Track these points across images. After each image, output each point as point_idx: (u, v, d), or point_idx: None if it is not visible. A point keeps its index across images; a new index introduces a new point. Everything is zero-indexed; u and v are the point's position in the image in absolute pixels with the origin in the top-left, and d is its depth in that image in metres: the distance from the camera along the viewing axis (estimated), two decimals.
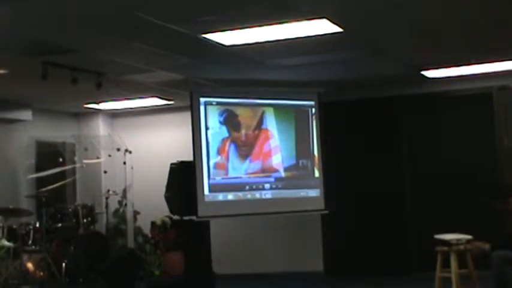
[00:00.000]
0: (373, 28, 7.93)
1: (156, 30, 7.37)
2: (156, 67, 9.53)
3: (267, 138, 11.12)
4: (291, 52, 8.84)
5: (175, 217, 10.84)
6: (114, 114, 13.78)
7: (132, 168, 12.11)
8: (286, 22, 7.30)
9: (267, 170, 11.08)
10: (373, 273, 11.55)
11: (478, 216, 10.60)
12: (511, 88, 11.25)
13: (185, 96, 10.85)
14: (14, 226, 10.40)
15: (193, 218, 10.51)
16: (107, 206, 11.91)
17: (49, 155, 12.73)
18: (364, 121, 12.08)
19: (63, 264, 10.17)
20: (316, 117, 11.36)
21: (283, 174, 11.17)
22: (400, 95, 11.80)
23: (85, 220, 10.95)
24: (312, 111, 11.37)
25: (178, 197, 10.62)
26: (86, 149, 12.62)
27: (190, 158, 10.54)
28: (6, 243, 10.03)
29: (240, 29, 7.52)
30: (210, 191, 10.59)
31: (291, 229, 12.31)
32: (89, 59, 8.79)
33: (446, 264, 8.59)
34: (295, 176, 11.26)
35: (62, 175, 12.19)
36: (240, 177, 10.89)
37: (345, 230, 11.99)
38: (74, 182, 12.86)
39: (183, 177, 10.63)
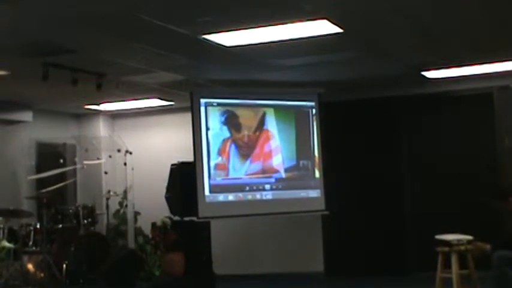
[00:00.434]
0: (373, 29, 7.93)
1: (156, 31, 7.38)
2: (157, 68, 9.53)
3: (268, 139, 11.12)
4: (291, 53, 8.84)
5: (176, 218, 10.83)
6: (114, 115, 13.78)
7: (132, 169, 12.11)
8: (287, 23, 7.30)
9: (267, 171, 11.08)
10: (373, 274, 11.55)
11: (479, 216, 10.62)
12: None
13: (186, 97, 10.85)
14: (15, 227, 10.41)
15: (194, 218, 10.51)
16: (107, 207, 11.92)
17: (50, 156, 12.73)
18: (365, 121, 12.08)
19: (64, 265, 10.17)
20: (316, 118, 11.36)
21: (283, 174, 11.17)
22: (401, 95, 11.81)
23: (85, 221, 10.96)
24: (312, 111, 11.37)
25: (179, 198, 10.62)
26: (86, 150, 12.63)
27: (191, 159, 10.54)
28: (6, 244, 10.03)
29: (241, 29, 7.52)
30: (210, 191, 10.58)
31: (292, 230, 12.31)
32: (90, 59, 8.79)
33: (447, 265, 8.60)
34: (295, 177, 11.26)
35: (62, 176, 12.20)
36: (241, 178, 10.89)
37: (346, 230, 11.99)
38: (74, 183, 12.87)
39: (184, 178, 10.63)
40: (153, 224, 11.71)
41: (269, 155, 11.13)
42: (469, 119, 11.57)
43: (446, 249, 8.52)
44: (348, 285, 11.43)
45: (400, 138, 11.95)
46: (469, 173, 11.31)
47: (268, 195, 11.03)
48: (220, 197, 10.73)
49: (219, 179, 10.70)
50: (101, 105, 12.45)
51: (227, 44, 8.13)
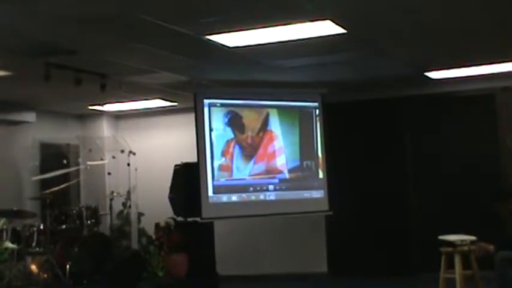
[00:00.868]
0: (376, 29, 7.93)
1: (159, 32, 7.38)
2: (160, 68, 9.53)
3: (271, 139, 11.12)
4: (294, 53, 8.84)
5: (179, 218, 10.84)
6: (118, 116, 13.79)
7: (136, 169, 12.14)
8: (290, 23, 7.30)
9: (271, 172, 11.08)
10: (377, 274, 11.55)
11: (482, 217, 10.61)
12: None
13: (189, 98, 10.86)
14: (18, 228, 10.41)
15: (197, 219, 10.51)
16: (111, 208, 11.93)
17: (53, 156, 12.74)
18: (368, 122, 12.09)
19: (67, 266, 10.17)
20: (320, 119, 11.36)
21: (287, 175, 11.17)
22: (404, 96, 11.81)
23: (89, 222, 10.95)
24: (315, 112, 11.37)
25: (182, 199, 10.62)
26: (90, 151, 12.65)
27: (195, 160, 10.54)
28: (10, 245, 10.04)
29: (244, 30, 7.52)
30: (214, 192, 10.58)
31: (295, 230, 12.31)
32: (93, 60, 8.79)
33: (450, 265, 8.60)
34: (299, 177, 11.25)
35: (66, 177, 12.21)
36: (244, 179, 10.89)
37: (349, 231, 12.00)
38: (78, 183, 12.88)
39: (187, 179, 10.63)
40: (157, 225, 11.71)
41: (273, 155, 11.12)
42: (471, 120, 11.57)
43: (450, 249, 8.53)
44: (351, 285, 11.43)
45: (403, 138, 11.95)
46: (472, 173, 11.31)
47: (271, 196, 11.02)
48: (224, 198, 10.73)
49: (222, 180, 10.70)
50: (105, 105, 12.45)
51: (230, 45, 8.13)
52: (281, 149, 11.17)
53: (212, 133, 10.61)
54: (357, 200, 11.93)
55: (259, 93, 11.15)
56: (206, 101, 10.62)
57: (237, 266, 12.18)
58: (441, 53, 9.37)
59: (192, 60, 9.09)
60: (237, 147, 10.81)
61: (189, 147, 10.96)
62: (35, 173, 12.19)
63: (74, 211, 10.96)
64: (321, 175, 11.35)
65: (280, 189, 11.07)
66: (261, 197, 10.96)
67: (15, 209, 10.44)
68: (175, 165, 10.91)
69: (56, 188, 11.17)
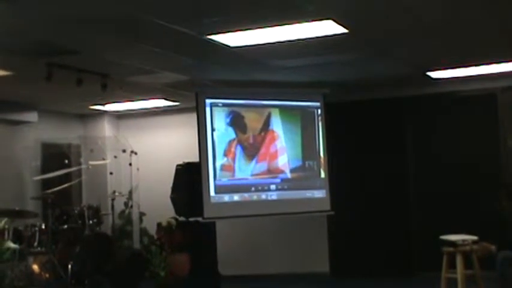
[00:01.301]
0: (378, 29, 7.92)
1: (161, 32, 7.38)
2: (162, 68, 9.54)
3: (273, 139, 11.12)
4: (296, 53, 8.84)
5: (181, 218, 10.84)
6: (119, 116, 13.79)
7: (137, 169, 12.14)
8: (292, 23, 7.30)
9: (273, 171, 11.08)
10: (378, 274, 11.56)
11: (483, 216, 10.62)
12: None
13: (191, 98, 10.86)
14: (20, 228, 10.39)
15: (199, 219, 10.52)
16: (112, 208, 11.90)
17: (55, 156, 12.74)
18: (370, 122, 12.09)
19: (69, 266, 10.15)
20: (322, 118, 11.36)
21: (289, 175, 11.17)
22: (405, 95, 11.82)
23: (91, 221, 10.93)
24: (317, 112, 11.37)
25: (184, 198, 10.63)
26: (91, 151, 12.65)
27: (196, 159, 10.54)
28: (11, 245, 10.02)
29: (246, 30, 7.53)
30: (216, 192, 10.58)
31: (297, 230, 12.32)
32: (94, 60, 8.80)
33: (452, 265, 8.60)
34: (301, 177, 11.25)
35: (67, 177, 12.21)
36: (246, 179, 10.89)
37: (351, 230, 12.00)
38: (79, 183, 12.88)
39: (189, 179, 10.64)
40: (159, 225, 11.68)
41: (275, 155, 11.12)
42: (472, 120, 11.57)
43: (451, 249, 8.53)
44: (353, 285, 11.44)
45: (404, 138, 11.95)
46: (473, 173, 11.31)
47: (273, 196, 11.02)
48: (226, 198, 10.73)
49: (224, 180, 10.70)
50: (106, 105, 12.46)
51: (232, 45, 8.14)
52: (283, 148, 11.17)
53: (214, 133, 10.61)
54: (358, 200, 11.93)
55: (261, 93, 11.15)
56: (208, 101, 10.62)
57: (238, 265, 12.19)
58: (442, 53, 9.38)
59: (193, 60, 9.09)
60: (239, 147, 10.81)
61: (191, 147, 10.97)
62: (36, 173, 12.19)
63: (76, 211, 10.93)
64: (322, 175, 11.36)
65: (282, 189, 11.07)
66: (263, 196, 10.96)
67: (17, 208, 10.42)
68: (177, 165, 10.92)
69: (58, 188, 11.16)
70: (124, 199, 12.55)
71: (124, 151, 12.22)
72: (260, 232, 12.55)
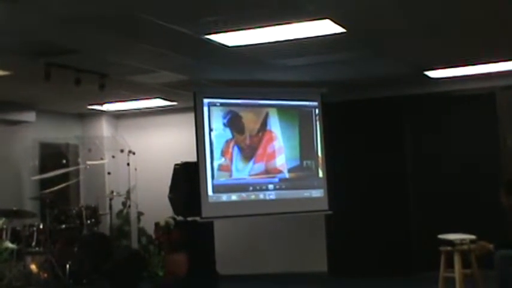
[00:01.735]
0: (376, 28, 7.92)
1: (159, 31, 7.38)
2: (160, 68, 9.53)
3: (271, 139, 11.12)
4: (294, 52, 8.84)
5: (179, 218, 10.85)
6: (117, 115, 13.79)
7: (135, 169, 12.14)
8: (289, 23, 7.30)
9: (270, 171, 11.08)
10: (377, 274, 11.55)
11: (481, 216, 10.63)
12: None
13: (189, 97, 10.86)
14: (18, 228, 10.41)
15: (197, 218, 10.51)
16: (110, 207, 11.92)
17: (53, 156, 12.74)
18: (368, 121, 12.09)
19: (67, 266, 10.18)
20: (319, 118, 11.36)
21: (287, 175, 11.17)
22: (403, 95, 11.81)
23: (89, 221, 10.95)
24: (315, 111, 11.37)
25: (182, 198, 10.62)
26: (89, 150, 12.65)
27: (194, 159, 10.54)
28: (9, 244, 10.04)
29: (243, 30, 7.53)
30: (213, 191, 10.58)
31: (295, 230, 12.32)
32: (93, 60, 8.80)
33: (450, 264, 8.60)
34: (299, 177, 11.25)
35: (65, 176, 12.22)
36: (244, 178, 10.89)
37: (349, 230, 12.00)
38: (77, 183, 12.88)
39: (187, 178, 10.63)
40: (157, 224, 11.71)
41: (272, 155, 11.12)
42: (471, 119, 11.57)
43: (449, 248, 8.52)
44: (351, 285, 11.43)
45: (403, 137, 11.95)
46: (472, 173, 11.31)
47: (271, 195, 11.02)
48: (224, 197, 10.73)
49: (222, 179, 10.70)
50: (104, 105, 12.45)
51: (230, 44, 8.14)
52: (281, 148, 11.16)
53: (212, 133, 10.61)
54: (356, 199, 11.93)
55: (259, 93, 11.14)
56: (206, 101, 10.62)
57: (236, 265, 12.18)
58: (441, 52, 9.37)
59: (191, 60, 9.09)
60: (236, 148, 10.81)
61: (189, 146, 10.96)
62: (34, 173, 12.19)
63: (74, 211, 10.96)
64: (320, 174, 11.36)
65: (280, 189, 11.07)
66: (261, 196, 10.96)
67: (14, 208, 10.43)
68: (175, 165, 10.91)
69: (56, 188, 11.17)
70: (122, 199, 12.55)
71: (122, 151, 12.23)
72: (258, 232, 12.55)
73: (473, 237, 8.46)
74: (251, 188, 10.90)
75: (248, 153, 10.91)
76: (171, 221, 11.25)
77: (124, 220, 12.74)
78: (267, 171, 11.04)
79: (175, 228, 11.04)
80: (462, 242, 8.44)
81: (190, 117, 10.86)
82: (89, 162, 12.33)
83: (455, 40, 8.68)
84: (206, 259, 10.66)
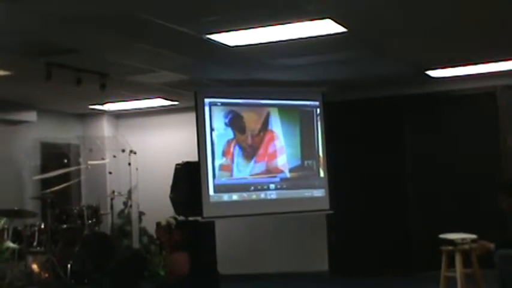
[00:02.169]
0: (377, 28, 7.93)
1: (160, 31, 7.39)
2: (161, 68, 9.54)
3: (272, 139, 11.12)
4: (295, 52, 8.85)
5: (181, 218, 10.83)
6: (118, 115, 13.79)
7: (137, 169, 12.15)
8: (290, 22, 7.31)
9: (272, 171, 11.08)
10: (378, 273, 11.55)
11: (482, 215, 10.63)
12: None
13: (190, 97, 10.86)
14: (19, 227, 10.42)
15: (199, 218, 10.52)
16: (112, 207, 11.92)
17: (54, 156, 12.75)
18: (369, 121, 12.09)
19: (68, 266, 10.17)
20: (320, 118, 11.37)
21: (288, 174, 11.18)
22: (404, 94, 11.81)
23: (90, 221, 10.95)
24: (316, 111, 11.38)
25: (183, 198, 10.62)
26: (90, 150, 12.66)
27: (195, 159, 10.55)
28: (11, 244, 10.05)
29: (245, 29, 7.53)
30: (215, 191, 10.59)
31: (296, 229, 12.31)
32: (94, 60, 8.80)
33: (451, 264, 8.60)
34: (300, 177, 11.26)
35: (66, 176, 12.20)
36: (245, 178, 10.90)
37: (350, 229, 12.01)
38: (78, 183, 12.88)
39: (188, 178, 10.63)
40: (158, 224, 11.69)
41: (273, 155, 11.13)
42: (472, 118, 11.57)
43: (450, 248, 8.52)
44: (352, 284, 11.44)
45: (404, 137, 11.95)
46: (472, 172, 11.31)
47: (272, 195, 11.03)
48: (225, 197, 10.74)
49: (223, 179, 10.71)
50: (105, 105, 12.46)
51: (231, 44, 8.14)
52: (282, 148, 11.17)
53: (213, 133, 10.63)
54: (357, 199, 11.93)
55: (260, 92, 11.15)
56: (207, 100, 10.63)
57: (238, 265, 12.17)
58: (441, 51, 9.37)
59: (192, 60, 9.10)
60: (237, 148, 10.82)
61: (190, 146, 10.97)
62: (35, 173, 12.19)
63: (75, 210, 10.95)
64: (321, 174, 11.36)
65: (281, 188, 11.08)
66: (262, 196, 10.97)
67: (16, 208, 10.44)
68: (176, 165, 10.91)
69: (57, 188, 11.16)
70: (123, 199, 12.55)
71: (123, 151, 12.23)
72: (259, 231, 12.55)
73: (474, 236, 8.46)
74: (252, 188, 10.91)
75: (249, 153, 10.92)
76: (173, 221, 11.23)
77: (125, 220, 12.74)
78: (268, 171, 11.05)
79: (177, 228, 11.02)
80: (463, 242, 8.44)
81: (191, 117, 10.86)
82: (90, 162, 12.33)
83: (455, 39, 8.69)
84: (207, 259, 10.64)
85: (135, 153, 12.16)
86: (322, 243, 12.28)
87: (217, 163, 10.64)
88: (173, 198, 10.78)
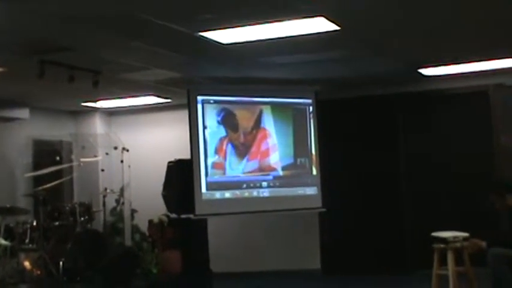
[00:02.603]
0: (370, 26, 7.93)
1: (153, 29, 7.38)
2: (154, 65, 9.52)
3: (265, 137, 11.13)
4: (288, 50, 8.85)
5: (173, 215, 10.83)
6: (111, 113, 13.77)
7: (129, 166, 12.12)
8: (284, 20, 7.30)
9: (264, 169, 11.09)
10: (370, 271, 11.56)
11: (475, 213, 10.64)
12: (507, 86, 11.26)
13: (183, 95, 10.86)
14: (11, 225, 10.40)
15: (191, 216, 10.53)
16: (104, 205, 11.90)
17: (46, 153, 12.72)
18: (361, 119, 12.09)
19: (61, 263, 10.15)
20: (313, 116, 11.38)
21: (281, 172, 11.19)
22: (397, 92, 11.81)
23: (82, 218, 10.92)
24: (309, 109, 11.38)
25: (176, 195, 10.62)
26: (83, 148, 12.64)
27: (188, 157, 10.55)
28: (3, 241, 10.02)
29: (238, 27, 7.52)
30: (207, 189, 10.60)
31: (289, 227, 12.31)
32: (86, 57, 8.79)
33: (443, 262, 8.61)
34: (292, 174, 11.27)
35: (59, 174, 12.17)
36: (238, 176, 10.91)
37: (343, 227, 12.02)
38: (71, 180, 12.84)
39: (181, 176, 10.63)
40: (150, 222, 11.67)
41: (266, 153, 11.14)
42: (465, 117, 11.58)
43: (442, 246, 8.54)
44: (344, 282, 11.44)
45: (396, 135, 11.95)
46: (466, 171, 11.32)
47: (265, 193, 11.05)
48: (217, 195, 10.75)
49: (216, 177, 10.72)
50: (98, 102, 12.45)
51: (224, 42, 8.14)
52: (275, 146, 11.18)
53: (206, 130, 10.64)
54: (350, 197, 11.94)
55: (253, 90, 11.15)
56: (199, 98, 10.63)
57: (230, 262, 12.17)
58: (435, 49, 9.39)
59: (185, 57, 9.09)
60: (229, 146, 10.83)
61: (183, 144, 10.97)
62: (28, 170, 12.16)
63: (67, 208, 10.92)
64: (314, 172, 11.38)
65: (274, 186, 11.09)
66: (255, 193, 10.99)
67: (8, 205, 10.43)
68: (169, 162, 10.91)
69: (49, 185, 11.13)
70: (115, 196, 12.54)
71: (115, 148, 12.21)
72: (251, 229, 12.55)
73: (466, 234, 8.48)
74: (245, 186, 10.91)
75: (242, 151, 10.93)
76: (165, 219, 11.23)
77: (118, 217, 12.73)
78: (260, 169, 11.05)
79: (169, 226, 11.03)
80: (455, 240, 8.46)
81: (184, 115, 10.86)
82: (82, 160, 12.29)
83: (449, 38, 8.69)
84: (200, 256, 10.66)
85: (127, 150, 12.13)
86: (314, 241, 12.29)
87: (209, 161, 10.65)
88: (165, 196, 10.78)
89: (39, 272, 10.08)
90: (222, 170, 10.79)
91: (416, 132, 11.87)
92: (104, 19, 7.05)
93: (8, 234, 10.24)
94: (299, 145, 11.34)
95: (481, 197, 8.97)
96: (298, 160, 11.32)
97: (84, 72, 9.27)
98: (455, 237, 8.49)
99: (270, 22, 7.36)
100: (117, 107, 13.11)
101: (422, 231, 9.92)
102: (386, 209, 11.83)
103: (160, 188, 10.84)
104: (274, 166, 11.17)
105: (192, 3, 6.61)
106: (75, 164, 12.57)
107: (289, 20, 7.29)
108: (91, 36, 7.79)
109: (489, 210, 8.73)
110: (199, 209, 10.47)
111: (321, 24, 7.50)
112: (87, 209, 11.12)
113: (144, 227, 12.05)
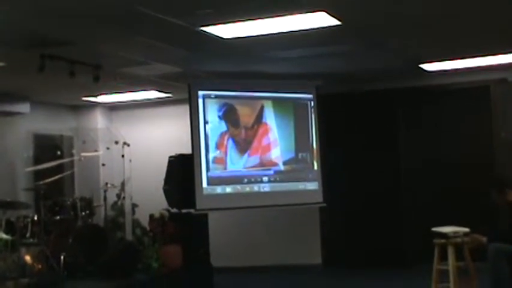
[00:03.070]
0: (371, 21, 7.92)
1: (154, 23, 7.37)
2: (154, 60, 9.52)
3: (266, 132, 11.12)
4: (289, 45, 8.84)
5: (174, 210, 10.84)
6: (112, 107, 13.77)
7: (130, 161, 12.11)
8: (285, 15, 7.29)
9: (265, 164, 11.08)
10: (371, 266, 11.58)
11: (475, 209, 10.64)
12: (509, 81, 11.26)
13: (184, 89, 10.85)
14: (12, 219, 10.37)
15: (192, 210, 10.53)
16: (105, 199, 11.88)
17: (47, 148, 12.72)
18: (363, 114, 12.10)
19: (62, 257, 10.14)
20: (314, 111, 11.37)
21: (282, 167, 11.18)
22: (399, 88, 11.82)
23: (83, 213, 10.92)
24: (310, 104, 11.37)
25: (177, 190, 10.63)
26: (84, 142, 12.65)
27: (189, 151, 10.55)
28: (4, 236, 10.01)
29: (239, 22, 7.52)
30: (208, 183, 10.59)
31: (289, 222, 12.32)
32: (87, 51, 8.77)
33: (443, 257, 8.61)
34: (294, 169, 11.26)
35: (60, 168, 12.18)
36: (239, 171, 10.90)
37: (343, 222, 12.02)
38: (72, 175, 12.86)
39: (182, 170, 10.64)
40: (151, 216, 11.68)
41: (267, 148, 11.13)
42: (466, 112, 11.58)
43: (443, 241, 8.53)
44: (345, 277, 11.45)
45: (397, 130, 11.96)
46: (467, 166, 11.32)
47: (266, 188, 11.04)
48: (218, 189, 10.74)
49: (217, 172, 10.72)
50: (99, 97, 12.44)
51: (225, 36, 8.13)
52: (276, 141, 11.17)
53: (207, 125, 10.62)
54: (351, 192, 11.94)
55: (254, 85, 11.14)
56: (200, 93, 10.62)
57: (231, 257, 12.18)
58: (436, 45, 9.37)
59: (186, 52, 9.07)
60: (230, 141, 10.82)
61: (184, 138, 10.97)
62: (28, 164, 12.16)
63: (68, 202, 10.92)
64: (315, 167, 11.37)
65: (275, 181, 11.08)
66: (255, 188, 10.98)
67: (9, 200, 10.41)
68: (170, 157, 10.91)
69: (50, 179, 11.13)
70: (116, 191, 12.53)
71: (116, 142, 12.19)
72: (252, 224, 12.55)
73: (466, 230, 8.48)
74: (246, 180, 10.91)
75: (243, 146, 10.92)
76: (166, 213, 11.24)
77: (118, 212, 12.73)
78: (261, 164, 11.05)
79: (170, 220, 11.03)
80: (455, 235, 8.45)
81: (185, 109, 10.85)
82: (83, 154, 12.29)
83: (450, 33, 8.68)
84: (200, 251, 10.66)
85: (128, 145, 12.12)
86: (315, 236, 12.30)
87: (210, 156, 10.64)
88: (166, 191, 10.78)
89: (40, 267, 10.06)
90: (223, 164, 10.79)
91: (417, 127, 11.87)
92: (105, 13, 7.04)
93: (9, 228, 10.22)
94: (300, 140, 11.33)
95: (482, 192, 8.96)
96: (300, 155, 11.31)
97: (85, 67, 9.25)
98: (455, 232, 8.48)
99: (272, 17, 7.35)
100: (118, 102, 13.11)
101: (422, 225, 9.93)
102: (387, 203, 11.83)
103: (161, 182, 10.85)
104: (275, 161, 11.16)
105: None
106: (76, 158, 12.58)
107: (290, 14, 7.28)
108: (91, 31, 7.79)
109: (489, 205, 8.73)
110: (200, 204, 10.46)
111: (322, 19, 7.49)
112: (88, 204, 11.11)
113: (145, 221, 12.06)
